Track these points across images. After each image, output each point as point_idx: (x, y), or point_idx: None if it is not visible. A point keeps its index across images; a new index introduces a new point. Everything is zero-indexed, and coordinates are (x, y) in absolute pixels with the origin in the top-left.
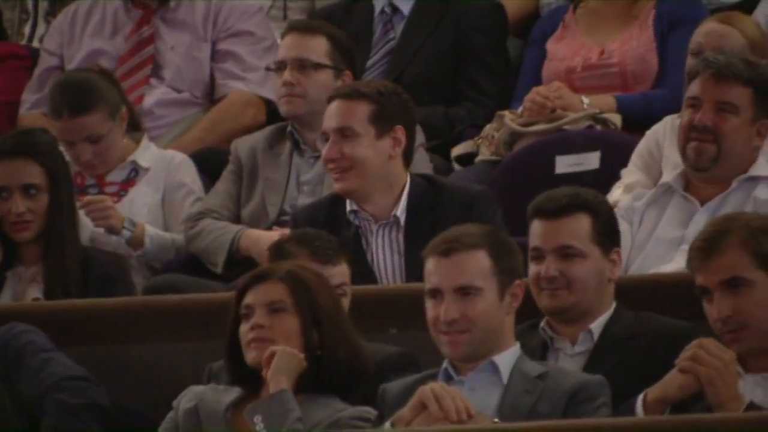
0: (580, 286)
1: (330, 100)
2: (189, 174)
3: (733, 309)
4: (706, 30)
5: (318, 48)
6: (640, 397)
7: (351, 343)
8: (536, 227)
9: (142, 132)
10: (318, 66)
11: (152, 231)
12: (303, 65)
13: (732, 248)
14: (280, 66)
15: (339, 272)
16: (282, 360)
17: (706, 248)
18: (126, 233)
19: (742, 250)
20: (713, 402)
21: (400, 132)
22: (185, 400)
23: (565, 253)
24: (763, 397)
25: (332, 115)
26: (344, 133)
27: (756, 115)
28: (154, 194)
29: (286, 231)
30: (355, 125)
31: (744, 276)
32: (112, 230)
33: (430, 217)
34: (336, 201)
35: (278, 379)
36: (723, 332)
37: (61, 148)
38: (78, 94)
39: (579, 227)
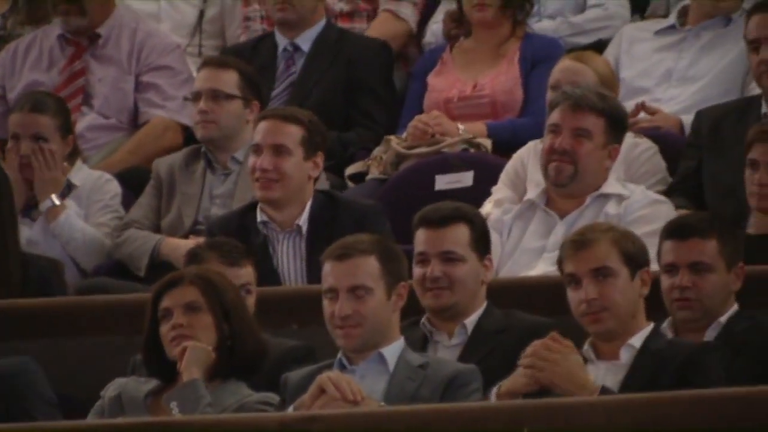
0: (460, 286)
1: (265, 118)
2: (110, 192)
3: (599, 293)
4: (563, 67)
5: (229, 80)
6: (494, 390)
7: (256, 335)
8: (421, 235)
9: (77, 156)
10: (229, 96)
11: (72, 214)
12: (216, 95)
13: (603, 242)
14: (196, 96)
15: (245, 273)
16: (193, 354)
17: (580, 241)
18: (51, 202)
19: (611, 245)
20: (563, 392)
21: (320, 158)
22: (111, 389)
23: (448, 258)
24: (613, 383)
25: (269, 132)
26: (279, 149)
27: (607, 141)
28: (80, 209)
29: (201, 239)
30: (290, 144)
31: (611, 266)
32: (44, 188)
33: (329, 227)
34: (246, 212)
35: (191, 370)
36: (586, 314)
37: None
38: (43, 98)
39: (460, 235)
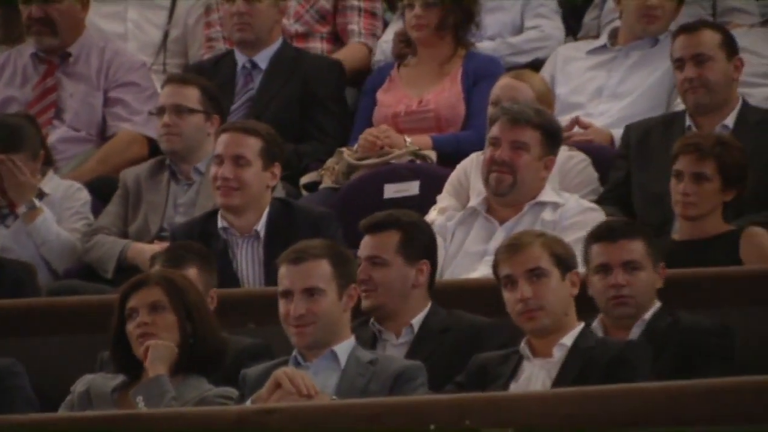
0: (384, 289)
1: (225, 130)
2: (80, 199)
3: (533, 292)
4: (503, 84)
5: (191, 96)
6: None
7: (216, 332)
8: (362, 241)
9: (51, 165)
10: (191, 110)
11: (49, 218)
12: (179, 110)
13: (536, 245)
14: (160, 111)
15: (189, 275)
16: (156, 351)
17: (515, 245)
18: (29, 204)
19: (543, 248)
20: None
21: (277, 168)
22: (80, 385)
23: (373, 262)
24: (546, 379)
25: (230, 143)
26: (239, 160)
27: (543, 153)
28: (52, 215)
29: (165, 244)
30: (249, 155)
31: (544, 267)
32: (19, 192)
33: (285, 232)
34: (208, 219)
35: (155, 366)
36: (522, 312)
37: None
38: (8, 135)
39: (387, 241)
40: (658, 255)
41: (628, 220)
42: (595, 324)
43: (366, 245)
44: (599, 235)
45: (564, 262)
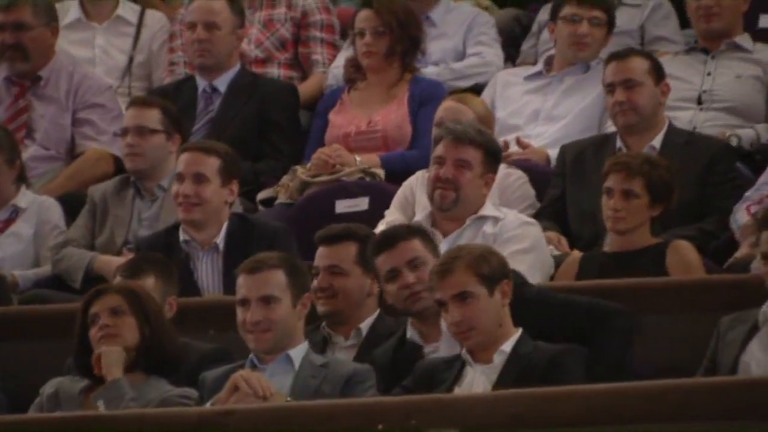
0: (344, 296)
1: (186, 150)
2: (56, 214)
3: (462, 315)
4: (446, 106)
5: (153, 117)
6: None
7: (172, 336)
8: (318, 252)
9: (24, 182)
10: (153, 131)
11: (21, 275)
12: (141, 131)
13: (460, 270)
14: (124, 132)
15: (146, 285)
16: (108, 357)
17: (442, 271)
18: None
19: (468, 271)
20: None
21: (235, 185)
22: (48, 387)
23: (333, 271)
24: (487, 383)
25: (190, 162)
26: (199, 177)
27: (484, 170)
28: (28, 229)
29: (130, 256)
30: (208, 173)
31: (470, 290)
32: None
33: (242, 245)
34: (171, 232)
35: (111, 371)
36: (456, 333)
37: None
38: None
39: (346, 252)
40: (435, 249)
41: (401, 224)
42: (409, 332)
43: (324, 256)
44: (379, 246)
45: (490, 278)
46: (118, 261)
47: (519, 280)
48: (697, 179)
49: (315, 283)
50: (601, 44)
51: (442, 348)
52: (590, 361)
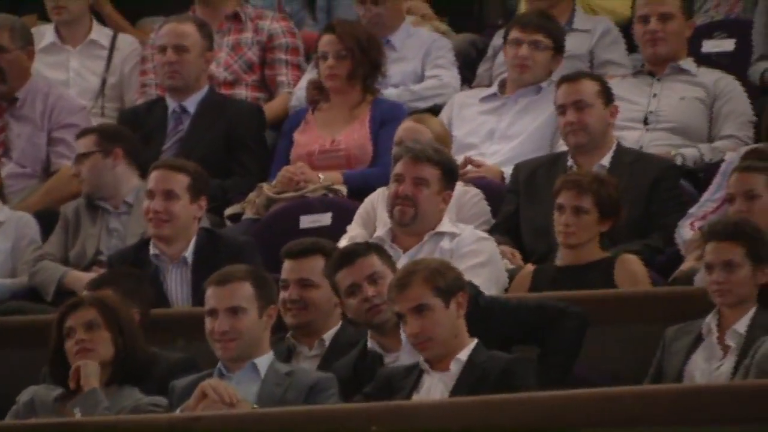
0: (314, 307)
1: (156, 168)
2: (32, 229)
3: (420, 327)
4: (405, 126)
5: (87, 143)
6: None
7: (144, 348)
8: (285, 265)
9: (2, 197)
10: (86, 155)
11: None
12: (80, 159)
13: (417, 283)
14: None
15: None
16: (86, 369)
17: (399, 285)
18: None
19: (424, 285)
20: None
21: (203, 201)
22: (24, 395)
23: (304, 284)
24: (444, 390)
25: (160, 179)
26: (169, 194)
27: (442, 188)
28: (6, 242)
29: (101, 270)
30: (178, 190)
31: (427, 303)
32: None
33: (210, 258)
34: (141, 247)
35: (88, 381)
36: (415, 344)
37: None
38: None
39: (315, 265)
40: (392, 264)
41: (359, 242)
42: (370, 342)
43: (294, 269)
44: (339, 263)
45: (446, 291)
46: (88, 277)
47: (474, 291)
48: (643, 196)
49: (284, 295)
50: (546, 67)
51: (402, 358)
52: (543, 359)
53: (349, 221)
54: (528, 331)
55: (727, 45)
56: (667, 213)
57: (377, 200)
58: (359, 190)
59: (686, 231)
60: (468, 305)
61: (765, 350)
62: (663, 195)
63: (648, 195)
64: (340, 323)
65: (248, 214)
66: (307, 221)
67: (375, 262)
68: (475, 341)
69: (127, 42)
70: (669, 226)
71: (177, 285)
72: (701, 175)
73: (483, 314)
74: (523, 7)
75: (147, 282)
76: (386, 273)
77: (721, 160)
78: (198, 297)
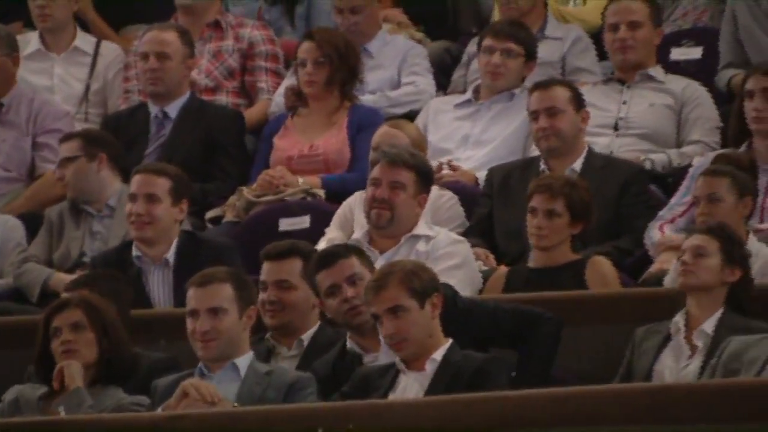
0: (292, 308)
1: (138, 172)
2: (18, 232)
3: (396, 328)
4: (382, 132)
5: (72, 148)
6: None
7: (128, 348)
8: (264, 267)
9: None
10: (71, 159)
11: None
12: (64, 164)
13: (393, 285)
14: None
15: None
16: (70, 369)
17: (375, 286)
18: None
19: (400, 286)
20: None
21: (185, 204)
22: (9, 394)
23: (282, 286)
24: (420, 389)
25: (142, 183)
26: (151, 197)
27: (418, 191)
28: None
29: (84, 272)
30: (159, 193)
31: (402, 304)
32: None
33: (192, 260)
34: (123, 249)
35: (74, 380)
36: (390, 345)
37: None
38: None
39: (293, 267)
40: (371, 265)
41: (339, 244)
42: (349, 342)
43: (272, 271)
44: (319, 264)
45: (421, 292)
46: (71, 278)
47: (450, 292)
48: (613, 200)
49: (263, 296)
50: (518, 74)
51: (381, 358)
52: (521, 366)
53: (327, 224)
54: (505, 335)
55: (695, 53)
56: (636, 216)
57: (355, 204)
58: (337, 194)
59: (655, 233)
60: (445, 306)
61: (731, 350)
62: (632, 199)
63: (618, 198)
64: (318, 324)
65: (229, 217)
66: (286, 224)
67: (355, 263)
68: (449, 341)
69: (110, 49)
70: (638, 229)
71: (159, 286)
72: (670, 179)
73: (460, 315)
74: (496, 16)
75: (125, 283)
76: (365, 275)
77: (689, 165)
78: (179, 298)
